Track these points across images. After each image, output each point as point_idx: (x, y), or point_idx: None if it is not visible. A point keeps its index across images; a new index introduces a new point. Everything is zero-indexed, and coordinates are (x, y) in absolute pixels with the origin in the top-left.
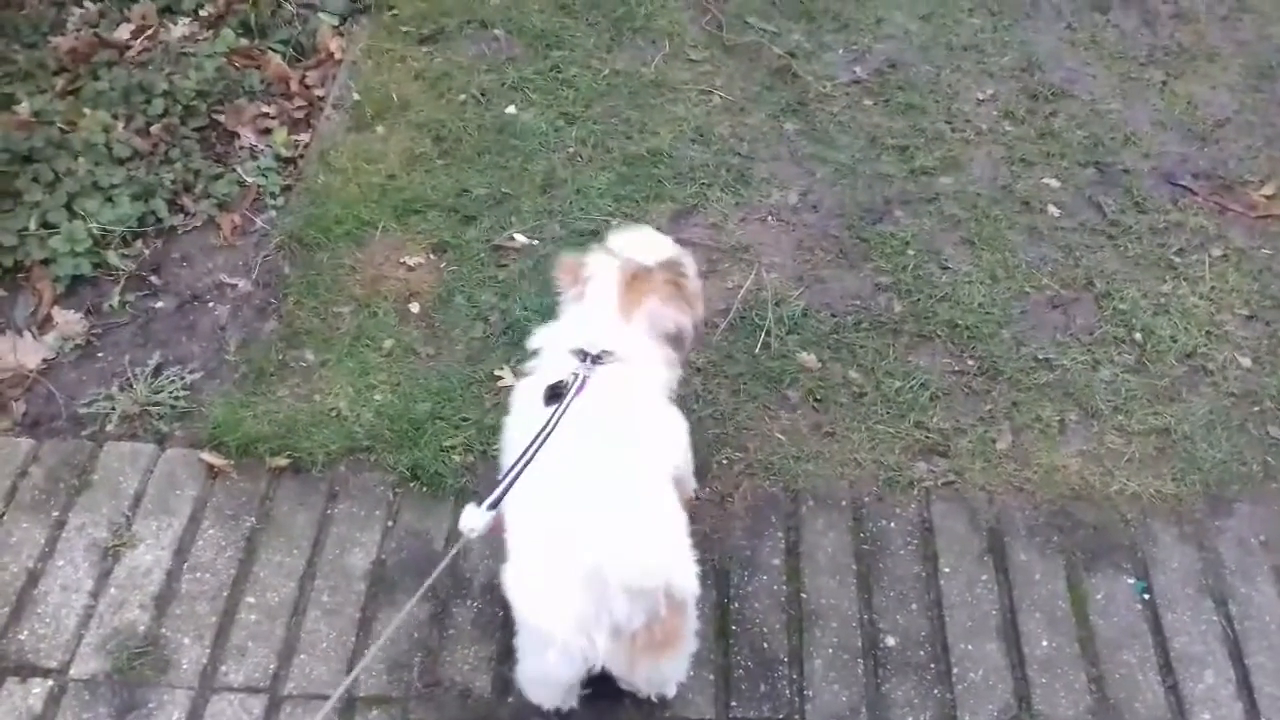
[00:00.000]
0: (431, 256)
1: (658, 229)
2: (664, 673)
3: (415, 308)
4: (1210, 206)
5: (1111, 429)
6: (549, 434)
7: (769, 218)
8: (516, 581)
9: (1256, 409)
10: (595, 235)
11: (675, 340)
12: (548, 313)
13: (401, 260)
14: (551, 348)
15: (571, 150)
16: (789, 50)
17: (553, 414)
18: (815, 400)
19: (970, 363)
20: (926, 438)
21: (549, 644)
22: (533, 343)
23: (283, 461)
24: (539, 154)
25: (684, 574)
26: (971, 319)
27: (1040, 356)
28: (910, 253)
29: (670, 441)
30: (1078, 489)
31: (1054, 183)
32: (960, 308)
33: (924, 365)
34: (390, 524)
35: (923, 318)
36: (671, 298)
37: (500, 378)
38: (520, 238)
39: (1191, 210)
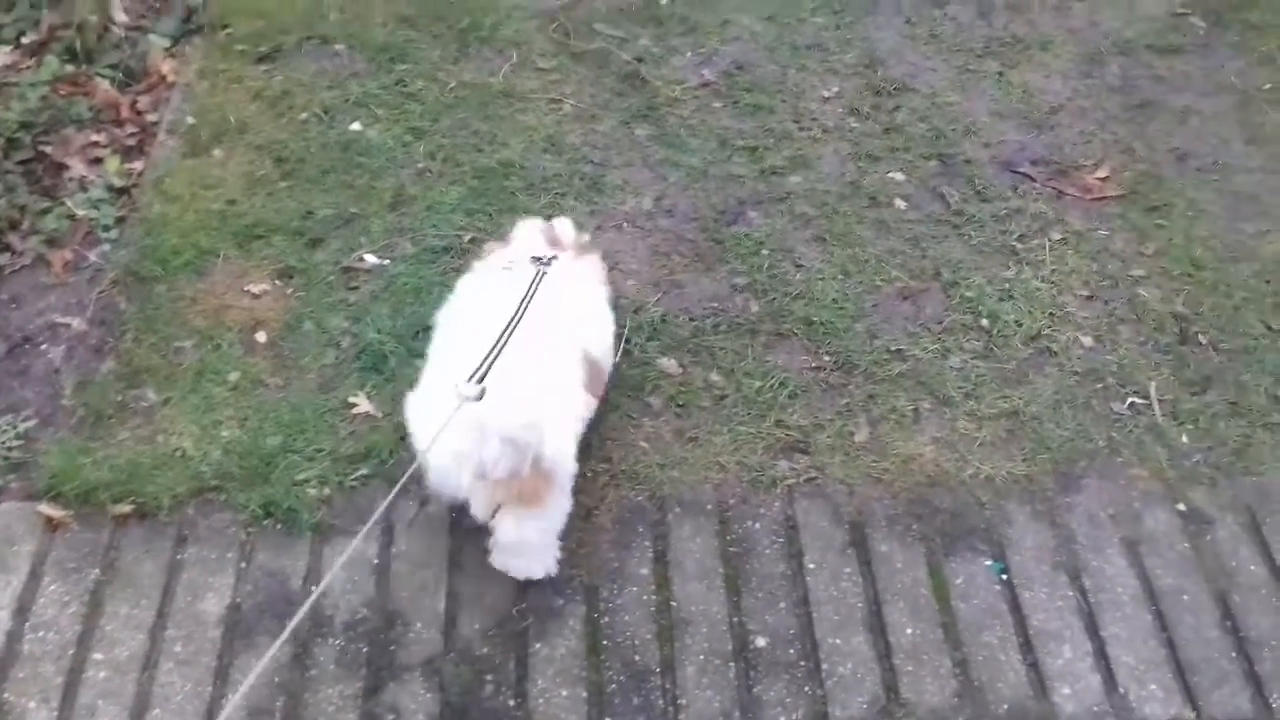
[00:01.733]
0: (277, 283)
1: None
2: (519, 534)
3: (262, 337)
4: (1048, 191)
5: (963, 415)
6: (525, 308)
7: (624, 225)
8: (413, 408)
9: (1100, 386)
10: (448, 252)
11: None
12: (402, 335)
13: (245, 288)
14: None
15: (420, 166)
16: (637, 56)
17: (526, 292)
18: (678, 406)
19: (826, 358)
20: (787, 435)
21: (428, 466)
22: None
23: (126, 508)
24: (387, 171)
25: (555, 446)
26: (826, 315)
27: (893, 348)
28: (764, 252)
29: (591, 333)
30: (934, 476)
31: (899, 176)
32: (815, 304)
33: (782, 363)
34: (244, 565)
35: (779, 316)
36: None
37: (354, 405)
38: (370, 258)
39: (1031, 196)
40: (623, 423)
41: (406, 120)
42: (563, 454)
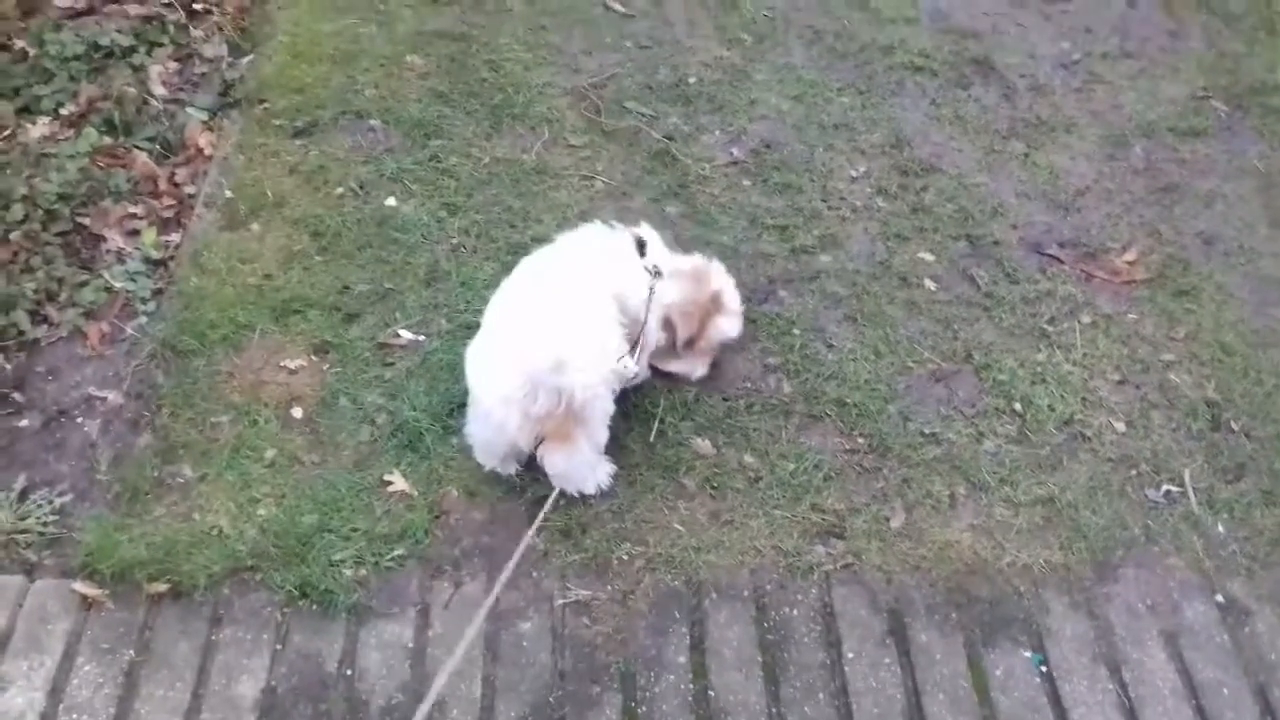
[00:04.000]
0: (313, 358)
1: None
2: (558, 464)
3: (298, 413)
4: (1077, 274)
5: (999, 501)
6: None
7: None
8: (471, 357)
9: (1134, 472)
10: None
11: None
12: (437, 412)
13: (282, 363)
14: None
15: (455, 241)
16: (667, 134)
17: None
18: (712, 488)
19: (860, 440)
20: (823, 520)
21: (480, 407)
22: None
23: (161, 587)
24: (421, 246)
25: (584, 387)
26: (859, 396)
27: (927, 431)
28: (796, 332)
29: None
30: (971, 564)
31: (929, 257)
32: (847, 385)
33: (816, 445)
34: (279, 647)
35: (812, 397)
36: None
37: (390, 482)
38: (405, 334)
39: (1060, 279)
40: (658, 504)
41: (441, 196)
42: (592, 394)
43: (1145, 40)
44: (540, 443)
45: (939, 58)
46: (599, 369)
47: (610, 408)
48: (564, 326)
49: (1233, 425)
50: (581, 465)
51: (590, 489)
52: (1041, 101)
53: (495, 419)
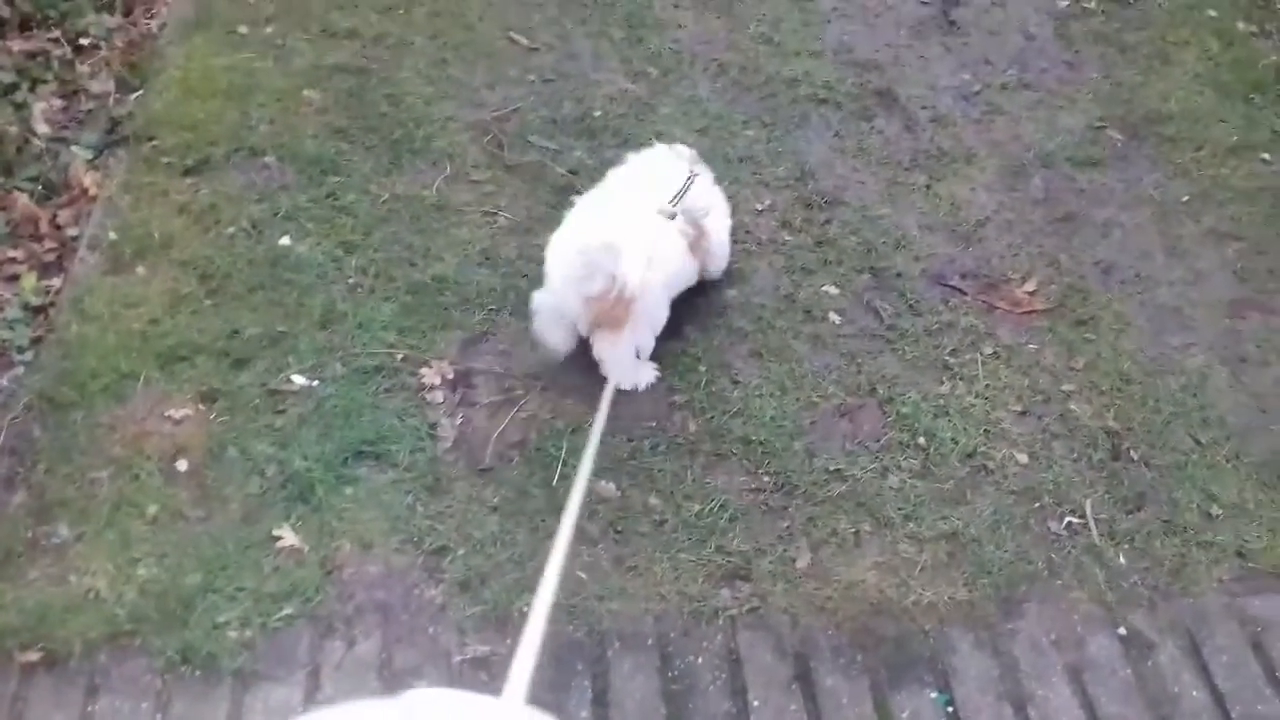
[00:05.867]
0: (200, 407)
1: (445, 360)
2: (607, 352)
3: (183, 465)
4: (979, 305)
5: (904, 537)
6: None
7: None
8: (552, 245)
9: (1036, 505)
10: (379, 372)
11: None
12: (330, 461)
13: (166, 413)
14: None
15: (352, 281)
16: (571, 168)
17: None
18: (616, 532)
19: (766, 479)
20: (728, 562)
21: (549, 281)
22: None
23: (34, 656)
24: (317, 287)
25: (634, 276)
26: (764, 433)
27: (832, 468)
28: (702, 369)
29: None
30: (876, 603)
31: (833, 290)
32: (753, 422)
33: (722, 485)
34: (159, 717)
35: (718, 435)
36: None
37: (279, 538)
38: (298, 379)
39: (962, 310)
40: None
41: (338, 234)
42: (642, 285)
43: (1043, 71)
44: (594, 330)
45: (843, 90)
46: (657, 267)
47: (663, 314)
48: (626, 223)
49: (1132, 454)
50: (625, 359)
51: (629, 385)
52: (943, 133)
53: (557, 296)
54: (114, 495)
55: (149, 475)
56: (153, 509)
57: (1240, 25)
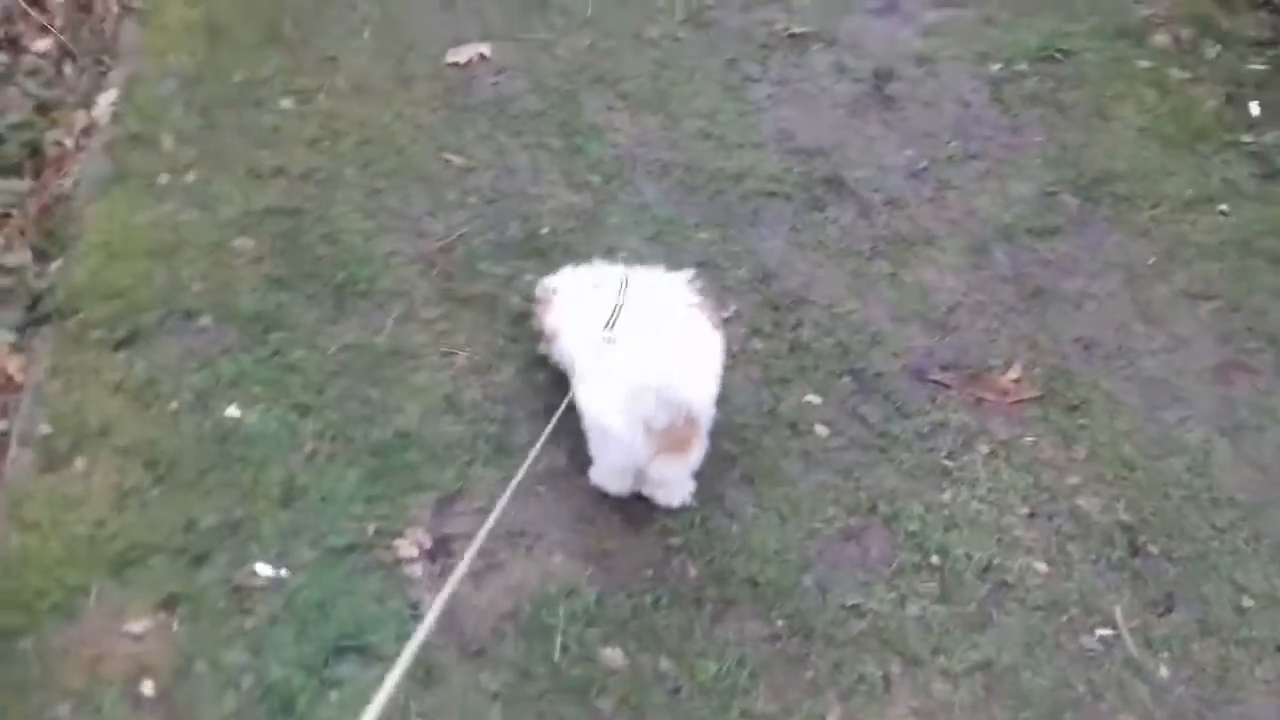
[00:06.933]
0: (161, 616)
1: (419, 527)
2: (672, 475)
3: (149, 688)
4: (966, 399)
5: (936, 674)
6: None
7: (540, 489)
8: (589, 395)
9: (1065, 619)
10: (352, 551)
11: None
12: (311, 664)
13: (124, 628)
14: None
15: (309, 449)
16: (526, 294)
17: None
18: (630, 708)
19: (780, 624)
20: None
21: (608, 435)
22: None
23: None
24: (272, 460)
25: (702, 401)
26: (771, 571)
27: (848, 603)
28: (694, 504)
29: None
30: None
31: (815, 399)
32: (757, 559)
33: (734, 637)
34: None
35: (722, 579)
36: None
37: None
38: (264, 570)
39: (950, 406)
40: None
41: (288, 397)
42: (707, 401)
43: (987, 140)
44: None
45: (790, 180)
46: (714, 375)
47: (714, 412)
48: (666, 340)
49: (1150, 549)
50: (688, 478)
51: (678, 502)
52: (898, 215)
53: (623, 443)
54: None
55: (112, 705)
56: None
57: (1174, 73)
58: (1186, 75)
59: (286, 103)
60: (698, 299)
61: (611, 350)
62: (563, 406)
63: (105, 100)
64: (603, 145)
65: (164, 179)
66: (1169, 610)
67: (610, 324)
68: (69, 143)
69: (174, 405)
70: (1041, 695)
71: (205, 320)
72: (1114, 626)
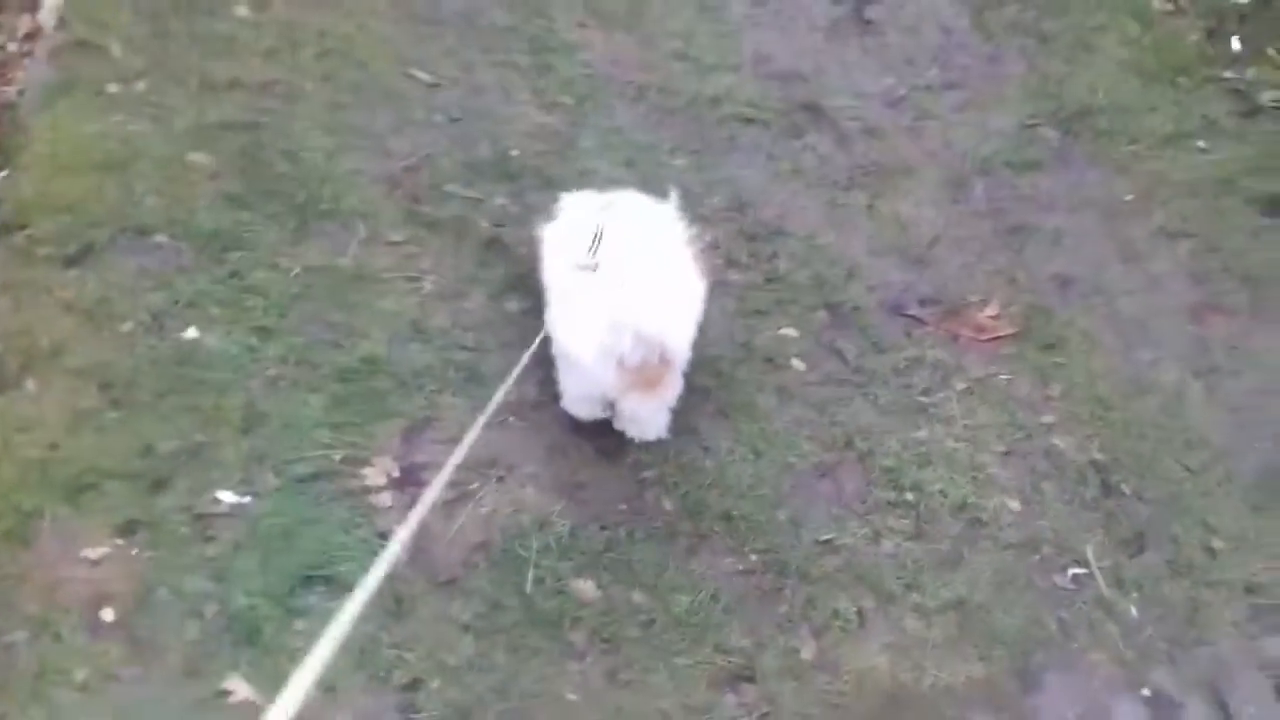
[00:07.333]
0: (119, 542)
1: (387, 455)
2: (645, 413)
3: (109, 615)
4: (943, 335)
5: (909, 611)
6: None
7: (511, 418)
8: (562, 322)
9: (1037, 557)
10: (317, 479)
11: None
12: (276, 593)
13: (81, 554)
14: None
15: (271, 373)
16: (496, 219)
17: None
18: (603, 640)
19: (754, 559)
20: (729, 662)
21: (578, 367)
22: None
23: None
24: (233, 385)
25: (678, 339)
26: (745, 505)
27: (821, 538)
28: (668, 437)
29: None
30: (891, 691)
31: (792, 332)
32: (731, 494)
33: (708, 570)
34: None
35: (696, 513)
36: None
37: (229, 691)
38: (227, 497)
39: (926, 343)
40: (545, 672)
41: (249, 319)
42: (683, 344)
43: (966, 68)
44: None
45: (767, 106)
46: (691, 317)
47: (690, 354)
48: (650, 278)
49: (1124, 489)
50: (662, 416)
51: (653, 435)
52: (876, 145)
53: (593, 374)
54: (34, 663)
55: (71, 631)
56: (81, 674)
57: (1156, 4)
58: (1169, 7)
59: (242, 10)
60: (687, 238)
61: (591, 279)
62: (537, 341)
63: (50, 3)
64: (573, 64)
65: (113, 88)
66: (1141, 550)
67: (592, 250)
68: (13, 48)
69: (128, 326)
70: (1013, 633)
71: (160, 238)
72: (1085, 565)
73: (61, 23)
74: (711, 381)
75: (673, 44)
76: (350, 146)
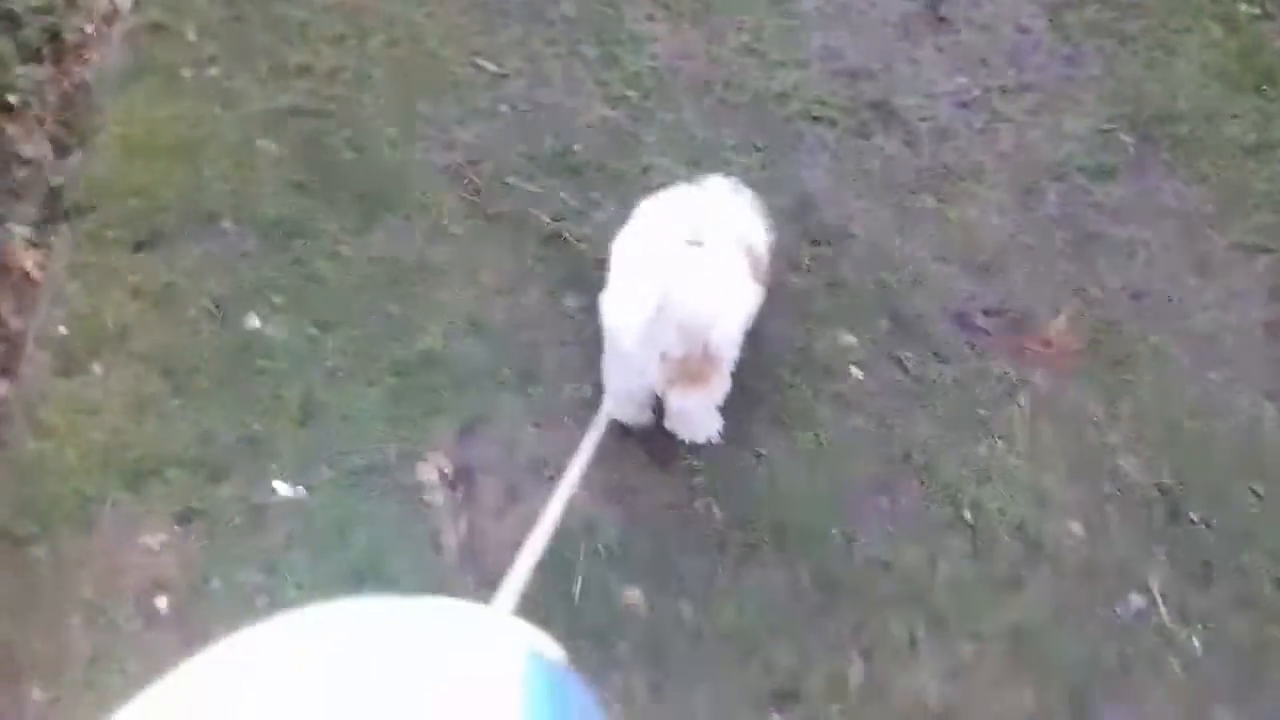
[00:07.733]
0: (177, 530)
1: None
2: (687, 407)
3: (163, 603)
4: (1008, 348)
5: (963, 636)
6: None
7: (566, 419)
8: (610, 304)
9: (1099, 586)
10: (372, 472)
11: None
12: (326, 587)
13: (140, 540)
14: None
15: (330, 365)
16: (556, 214)
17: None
18: (649, 652)
19: (804, 574)
20: (774, 682)
21: (621, 354)
22: None
23: None
24: (292, 375)
25: (723, 334)
26: (797, 517)
27: (874, 556)
28: (721, 442)
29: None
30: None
31: (851, 339)
32: (783, 504)
33: (757, 584)
34: None
35: (747, 523)
36: None
37: None
38: (282, 488)
39: (990, 355)
40: (593, 682)
41: (310, 310)
42: (729, 341)
43: (1042, 69)
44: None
45: (835, 104)
46: (740, 316)
47: (737, 353)
48: (700, 270)
49: (1191, 516)
50: (705, 411)
51: (702, 438)
52: (946, 147)
53: (635, 364)
54: (90, 648)
55: (126, 620)
56: (133, 664)
57: (1243, 8)
58: (1255, 10)
59: None
60: (758, 238)
61: (646, 264)
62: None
63: None
64: (640, 56)
65: (186, 72)
66: (1207, 583)
67: (696, 228)
68: (89, 29)
69: (193, 313)
70: (1070, 663)
71: (226, 223)
72: (1149, 595)
73: (137, 5)
74: (767, 387)
75: (741, 38)
76: (416, 136)
